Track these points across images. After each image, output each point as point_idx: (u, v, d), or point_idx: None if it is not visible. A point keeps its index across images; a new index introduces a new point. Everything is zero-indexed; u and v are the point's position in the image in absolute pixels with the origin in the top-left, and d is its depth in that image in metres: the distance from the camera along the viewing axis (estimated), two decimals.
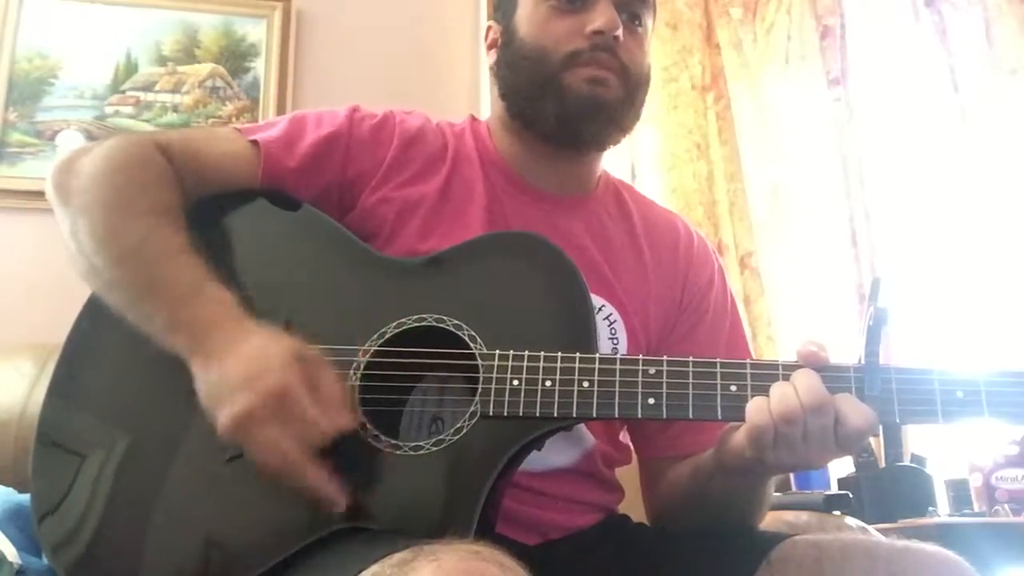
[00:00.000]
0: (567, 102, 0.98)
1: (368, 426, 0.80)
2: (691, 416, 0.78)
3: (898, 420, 0.77)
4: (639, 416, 0.78)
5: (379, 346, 0.84)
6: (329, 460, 0.78)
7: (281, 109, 2.15)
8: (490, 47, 1.09)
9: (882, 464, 1.97)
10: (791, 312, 2.25)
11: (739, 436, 0.80)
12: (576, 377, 0.79)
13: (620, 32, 0.98)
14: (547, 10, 1.00)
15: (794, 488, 1.89)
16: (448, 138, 1.05)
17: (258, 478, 0.77)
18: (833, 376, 0.77)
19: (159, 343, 0.82)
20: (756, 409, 0.76)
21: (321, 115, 1.02)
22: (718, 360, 0.80)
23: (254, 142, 0.97)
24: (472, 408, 0.79)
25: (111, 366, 0.90)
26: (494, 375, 0.80)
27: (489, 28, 1.10)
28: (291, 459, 0.73)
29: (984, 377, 0.76)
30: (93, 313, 0.92)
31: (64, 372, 0.91)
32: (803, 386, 0.75)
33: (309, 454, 0.74)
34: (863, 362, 0.78)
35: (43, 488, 0.86)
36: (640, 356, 0.81)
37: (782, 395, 0.75)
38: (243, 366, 0.75)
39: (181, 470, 0.82)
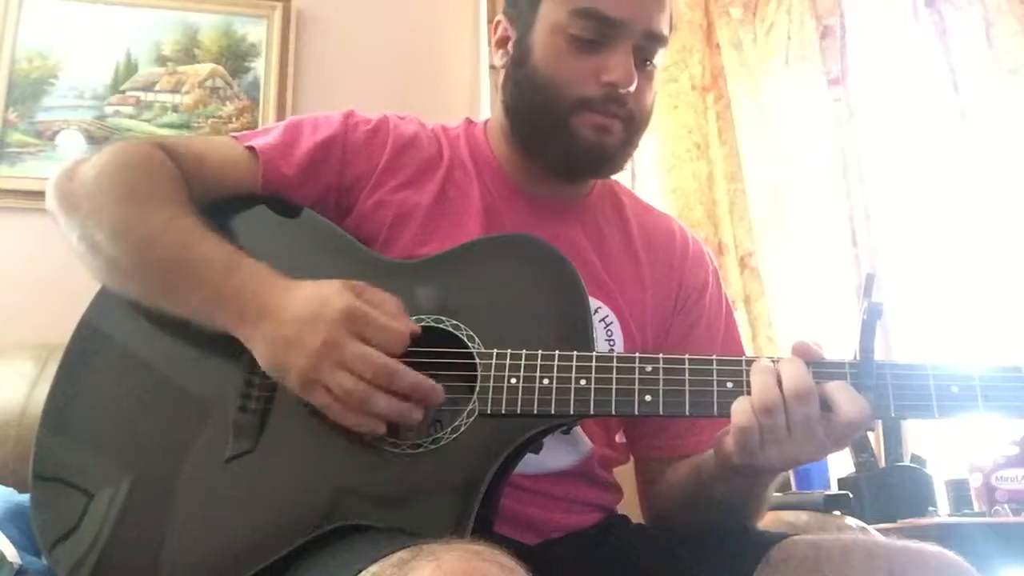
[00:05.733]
0: (572, 147, 0.97)
1: None
2: (688, 413, 0.78)
3: (893, 415, 0.77)
4: (636, 413, 0.79)
5: None
6: (329, 458, 0.78)
7: (281, 109, 2.16)
8: (498, 44, 1.05)
9: (882, 464, 1.96)
10: (791, 312, 2.24)
11: (728, 441, 0.80)
12: (573, 375, 0.79)
13: (633, 87, 0.95)
14: (564, 44, 0.96)
15: (794, 488, 1.89)
16: (443, 143, 1.05)
17: (260, 475, 0.78)
18: (828, 372, 0.78)
19: (196, 320, 0.84)
20: (740, 410, 0.76)
21: (317, 120, 1.02)
22: (714, 357, 0.80)
23: (252, 149, 0.97)
24: (470, 407, 0.79)
25: (109, 375, 0.90)
26: (492, 374, 0.80)
27: (498, 23, 1.06)
28: (383, 363, 0.76)
29: (979, 372, 0.76)
30: (92, 321, 0.92)
31: (63, 381, 0.90)
32: (786, 373, 0.76)
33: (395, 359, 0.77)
34: (858, 357, 0.78)
35: (43, 492, 0.85)
36: (637, 354, 0.81)
37: (763, 385, 0.76)
38: (305, 308, 0.79)
39: (181, 473, 0.82)
